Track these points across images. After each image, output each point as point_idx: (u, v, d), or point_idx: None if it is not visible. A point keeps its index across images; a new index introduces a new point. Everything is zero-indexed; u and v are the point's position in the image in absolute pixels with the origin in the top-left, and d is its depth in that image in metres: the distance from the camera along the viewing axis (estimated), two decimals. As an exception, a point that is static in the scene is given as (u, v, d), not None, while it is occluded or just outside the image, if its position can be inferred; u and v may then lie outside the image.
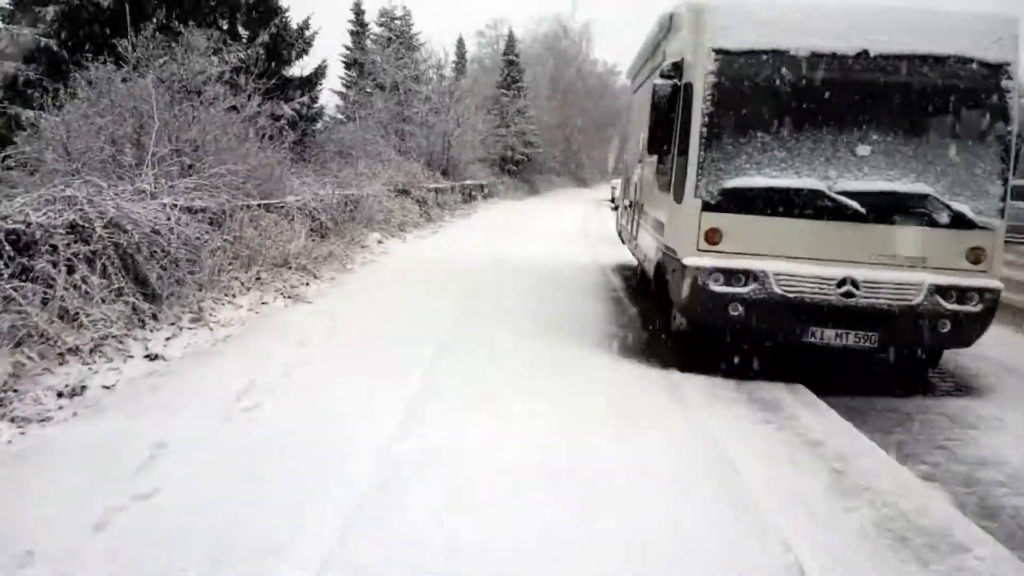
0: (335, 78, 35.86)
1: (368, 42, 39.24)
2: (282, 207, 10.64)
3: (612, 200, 40.41)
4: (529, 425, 4.74)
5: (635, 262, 12.06)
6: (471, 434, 4.57)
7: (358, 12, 38.62)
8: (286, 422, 4.65)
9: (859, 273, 5.91)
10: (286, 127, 19.17)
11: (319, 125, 21.19)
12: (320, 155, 18.82)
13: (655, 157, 7.90)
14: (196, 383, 5.34)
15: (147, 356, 5.77)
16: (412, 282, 10.08)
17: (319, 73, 21.90)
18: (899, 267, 5.95)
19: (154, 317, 6.41)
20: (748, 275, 5.99)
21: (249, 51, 17.74)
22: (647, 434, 4.72)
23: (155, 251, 6.62)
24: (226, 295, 7.73)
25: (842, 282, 5.92)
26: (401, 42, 39.21)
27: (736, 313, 6.02)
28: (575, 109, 64.54)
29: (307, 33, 20.75)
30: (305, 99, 20.47)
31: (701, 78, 6.07)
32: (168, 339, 6.24)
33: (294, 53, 20.70)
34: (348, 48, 38.30)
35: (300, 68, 21.59)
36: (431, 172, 26.93)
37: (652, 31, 9.16)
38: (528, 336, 7.16)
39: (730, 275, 6.01)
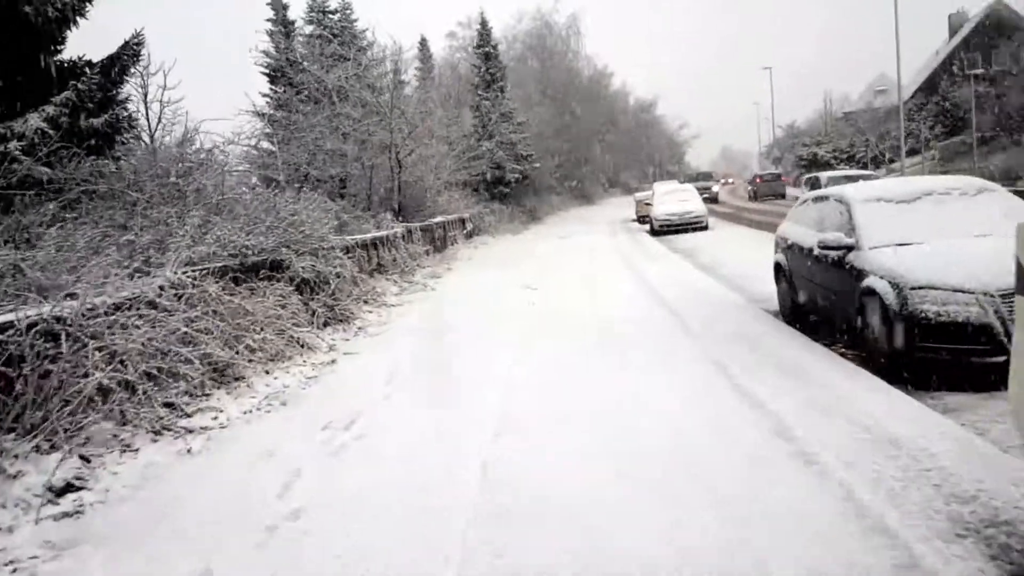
0: (256, 95, 25.51)
1: (297, 45, 28.91)
2: None
3: (639, 220, 30.18)
4: None
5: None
6: None
7: (278, 8, 28.28)
8: None
9: None
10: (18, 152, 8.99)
11: (117, 148, 10.75)
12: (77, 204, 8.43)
13: None
14: None
15: None
16: None
17: (122, 57, 11.62)
18: None
19: None
20: None
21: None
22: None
23: None
24: None
25: None
26: (341, 41, 29.05)
27: None
28: (570, 115, 54.37)
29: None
30: (67, 95, 10.11)
31: None
32: None
33: (50, 11, 10.44)
34: (267, 54, 27.81)
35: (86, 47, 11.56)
36: (371, 213, 16.49)
37: None
38: None
39: None
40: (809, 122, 62.74)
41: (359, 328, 9.32)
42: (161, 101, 12.00)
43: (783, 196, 38.82)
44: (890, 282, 5.59)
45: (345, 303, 9.90)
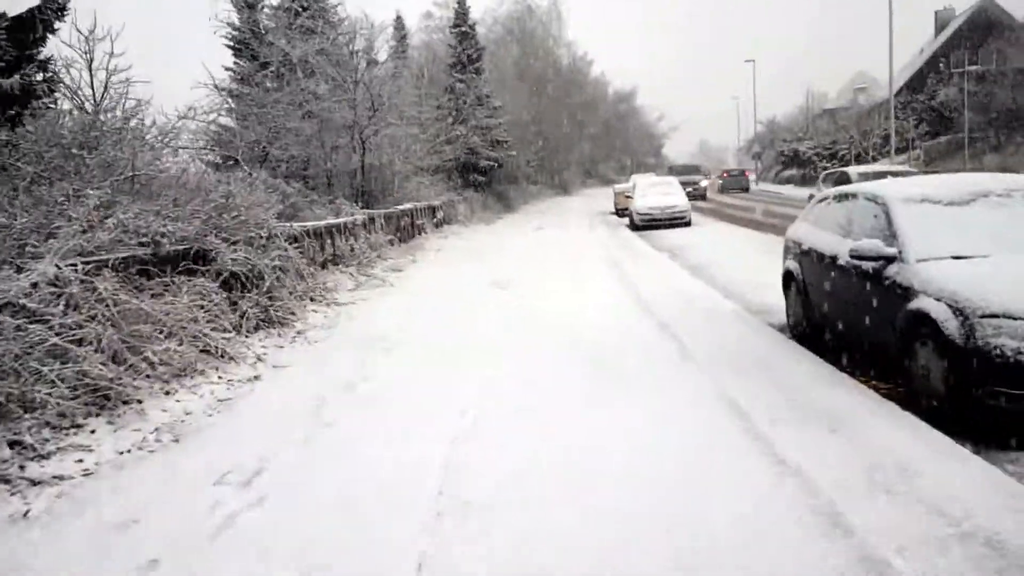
0: (219, 69, 23.78)
1: (262, 17, 27.13)
2: None
3: (618, 212, 28.86)
4: None
5: None
6: None
7: (243, -23, 26.37)
8: None
9: None
10: None
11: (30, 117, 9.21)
12: None
13: None
14: None
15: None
16: None
17: (45, 11, 10.22)
18: None
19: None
20: None
21: None
22: None
23: None
24: None
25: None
26: (309, 15, 27.41)
27: None
28: (549, 102, 52.97)
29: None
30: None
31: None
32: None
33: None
34: (233, 27, 25.96)
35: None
36: (329, 198, 15.11)
37: None
38: None
39: None
40: (789, 118, 62.09)
41: (298, 332, 7.97)
42: (107, 68, 10.52)
43: (747, 190, 43.52)
44: (951, 306, 4.40)
45: (285, 301, 8.54)
